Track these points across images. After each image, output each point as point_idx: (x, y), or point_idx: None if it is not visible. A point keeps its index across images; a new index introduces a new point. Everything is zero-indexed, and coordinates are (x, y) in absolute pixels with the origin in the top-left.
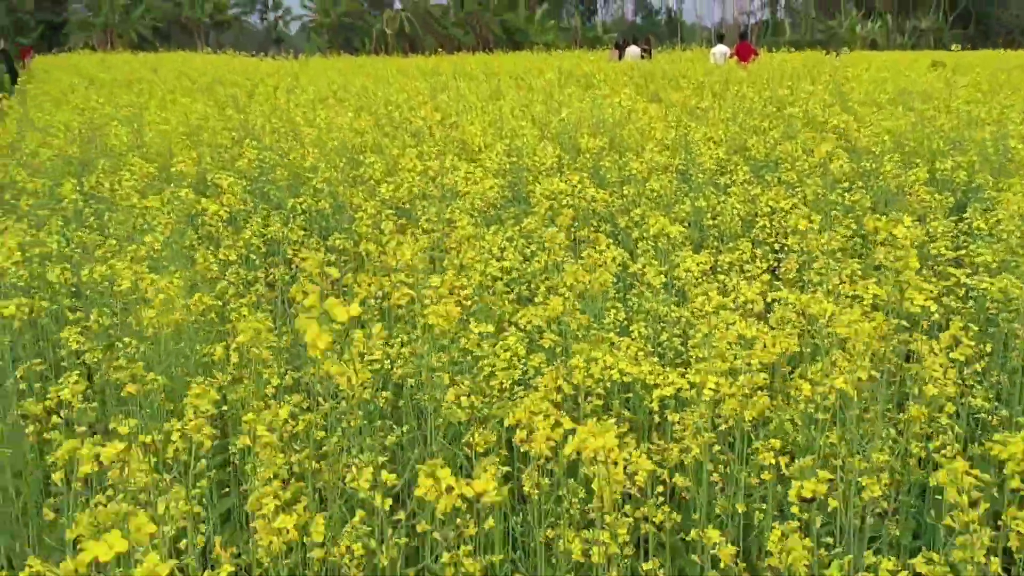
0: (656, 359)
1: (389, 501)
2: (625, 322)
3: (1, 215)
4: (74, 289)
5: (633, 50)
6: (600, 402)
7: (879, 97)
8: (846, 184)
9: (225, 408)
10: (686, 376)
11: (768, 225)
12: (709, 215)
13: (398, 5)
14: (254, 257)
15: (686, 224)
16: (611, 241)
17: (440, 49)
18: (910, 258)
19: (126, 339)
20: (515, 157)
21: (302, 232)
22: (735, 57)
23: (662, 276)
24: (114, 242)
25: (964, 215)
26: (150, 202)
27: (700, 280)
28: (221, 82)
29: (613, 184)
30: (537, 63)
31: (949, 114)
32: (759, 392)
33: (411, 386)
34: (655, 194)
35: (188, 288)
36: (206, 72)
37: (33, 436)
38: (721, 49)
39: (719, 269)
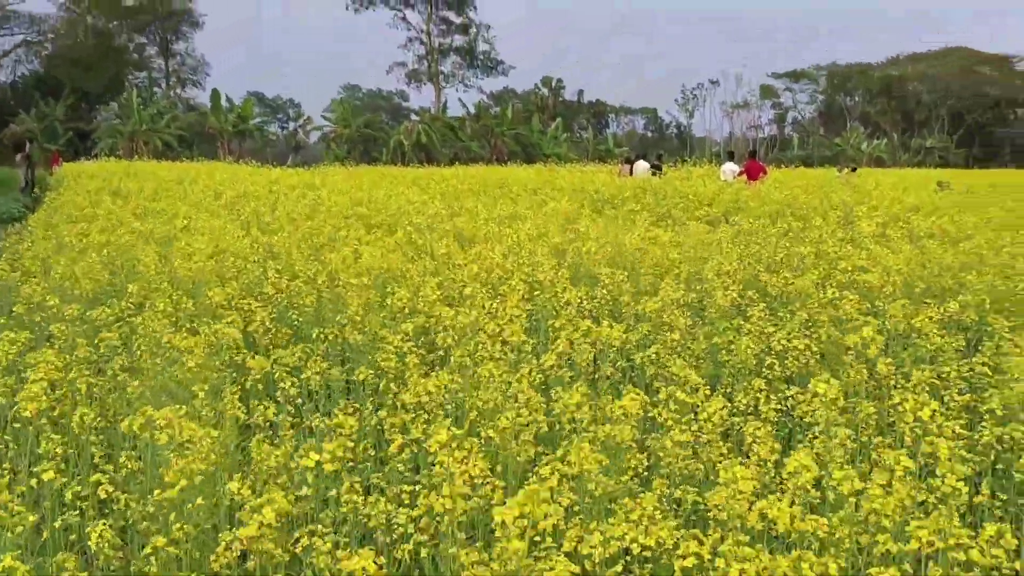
0: (674, 522)
1: None
2: (645, 472)
3: (32, 339)
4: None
5: (642, 165)
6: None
7: (889, 232)
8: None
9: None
10: (704, 545)
11: (778, 364)
12: (723, 352)
13: (415, 117)
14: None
15: (700, 359)
16: (630, 389)
17: (456, 161)
18: (940, 447)
19: (156, 491)
20: (536, 291)
21: (325, 365)
22: (744, 175)
23: (686, 434)
24: (147, 386)
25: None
26: (185, 343)
27: (718, 436)
28: (245, 195)
29: (628, 318)
30: (550, 178)
31: (956, 252)
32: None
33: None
34: (669, 330)
35: (220, 436)
36: (229, 183)
37: None
38: (730, 167)
39: (735, 412)
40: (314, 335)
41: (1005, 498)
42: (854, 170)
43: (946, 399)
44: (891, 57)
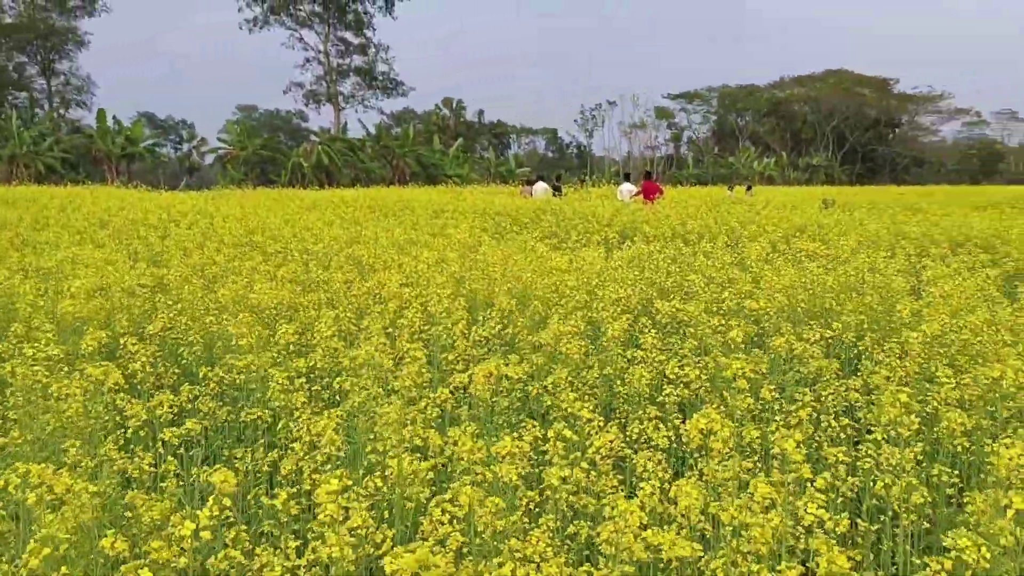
0: (563, 558)
1: None
2: (537, 510)
3: None
4: None
5: (541, 186)
6: None
7: (773, 256)
8: (745, 350)
9: None
10: None
11: (673, 392)
12: (618, 382)
13: (314, 138)
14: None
15: (594, 388)
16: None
17: (357, 182)
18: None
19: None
20: (430, 325)
21: (213, 405)
22: (640, 195)
23: (566, 470)
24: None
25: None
26: (62, 389)
27: (609, 467)
28: (133, 222)
29: (524, 348)
30: (453, 200)
31: (837, 273)
32: None
33: None
34: (564, 359)
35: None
36: (117, 209)
37: None
38: (627, 187)
39: (627, 441)
40: (201, 375)
41: (876, 527)
42: (749, 188)
43: (823, 423)
44: (777, 79)
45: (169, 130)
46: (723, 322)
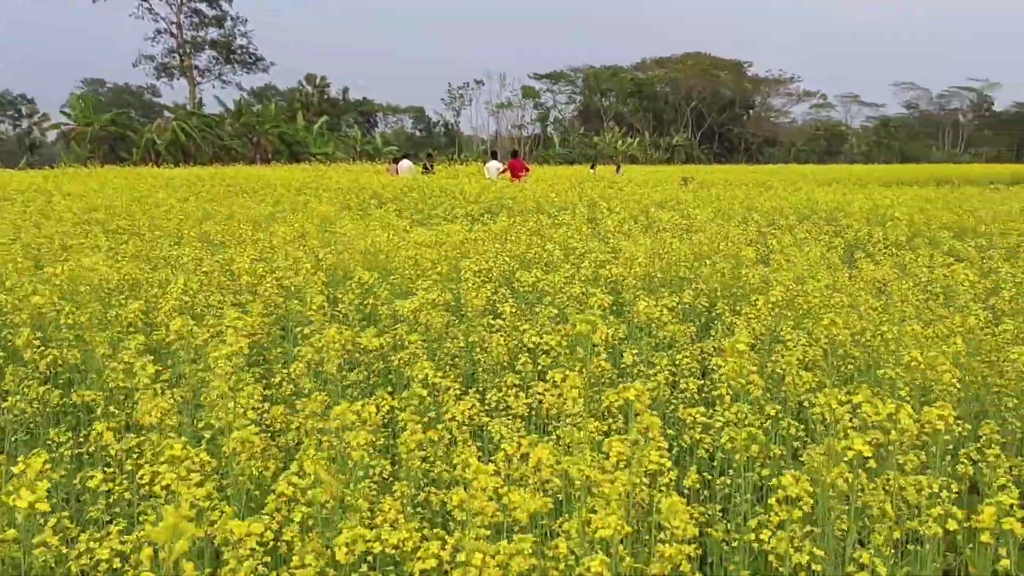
0: (417, 524)
1: None
2: (391, 478)
3: None
4: None
5: (406, 164)
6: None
7: (631, 227)
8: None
9: None
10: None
11: (530, 360)
12: (478, 350)
13: (168, 114)
14: None
15: (455, 359)
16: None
17: (216, 160)
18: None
19: None
20: (284, 299)
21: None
22: (507, 173)
23: (420, 437)
24: None
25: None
26: None
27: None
28: None
29: (386, 320)
30: (318, 177)
31: (692, 241)
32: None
33: None
34: (424, 329)
35: None
36: None
37: None
38: (494, 165)
39: (486, 410)
40: (26, 356)
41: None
42: (619, 168)
43: (680, 384)
44: (639, 61)
45: (6, 105)
46: (583, 290)
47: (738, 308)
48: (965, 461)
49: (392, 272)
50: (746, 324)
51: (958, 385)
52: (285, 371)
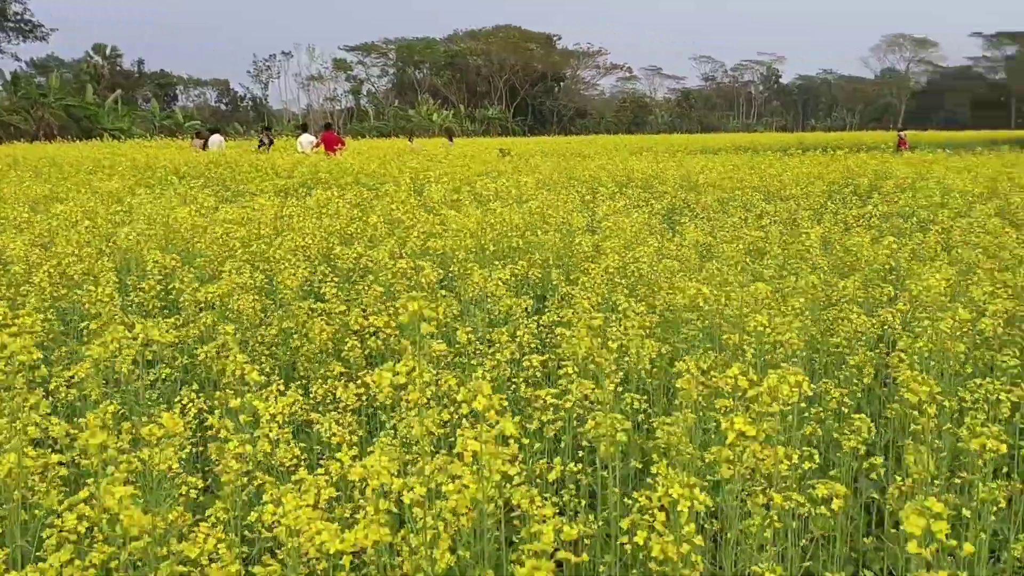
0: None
1: None
2: (201, 498)
3: None
4: None
5: (216, 139)
6: None
7: (454, 196)
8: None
9: None
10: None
11: (359, 345)
12: (296, 336)
13: None
14: None
15: (272, 348)
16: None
17: None
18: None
19: None
20: (67, 290)
21: None
22: (321, 146)
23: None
24: None
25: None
26: None
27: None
28: None
29: (190, 309)
30: (111, 154)
31: (522, 212)
32: None
33: None
34: (236, 317)
35: None
36: None
37: None
38: (307, 138)
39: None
40: None
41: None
42: (450, 137)
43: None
44: (452, 33)
45: None
46: (411, 264)
47: (572, 277)
48: (814, 424)
49: (197, 254)
50: (583, 294)
51: (802, 346)
52: (67, 375)
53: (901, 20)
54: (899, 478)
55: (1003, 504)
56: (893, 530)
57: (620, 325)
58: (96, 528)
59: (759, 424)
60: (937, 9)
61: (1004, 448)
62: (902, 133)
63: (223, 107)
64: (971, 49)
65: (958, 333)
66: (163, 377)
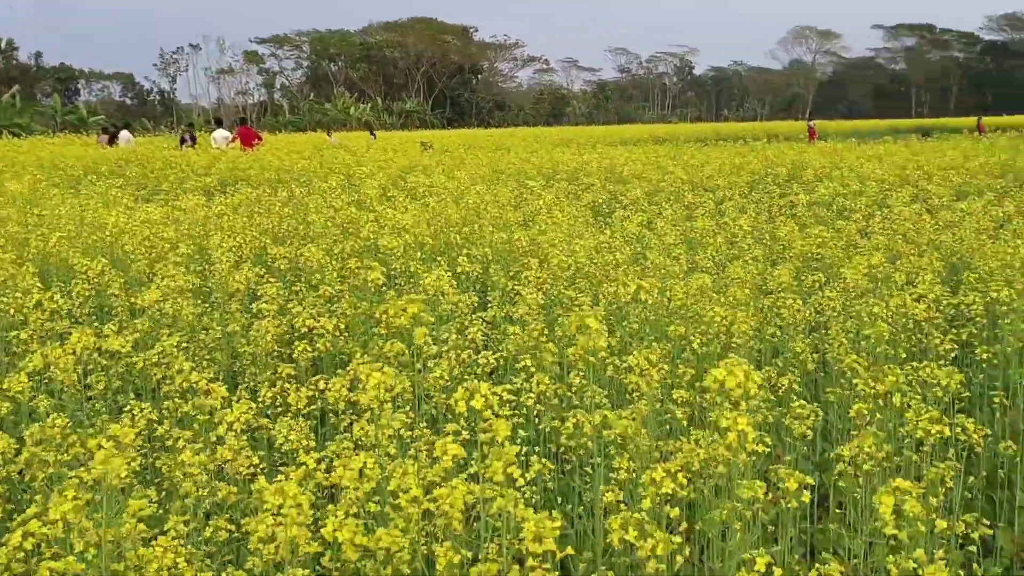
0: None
1: None
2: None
3: None
4: None
5: (125, 135)
6: None
7: (394, 193)
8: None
9: None
10: None
11: (308, 348)
12: (243, 342)
13: None
14: None
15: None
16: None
17: None
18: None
19: None
20: None
21: None
22: (237, 142)
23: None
24: None
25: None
26: None
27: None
28: None
29: (123, 315)
30: (9, 152)
31: (459, 207)
32: None
33: None
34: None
35: None
36: None
37: None
38: (222, 134)
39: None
40: None
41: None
42: (372, 132)
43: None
44: (367, 24)
45: None
46: (359, 264)
47: (512, 273)
48: (765, 411)
49: (126, 258)
50: (528, 290)
51: (751, 335)
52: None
53: (806, 14)
54: (843, 463)
55: (950, 485)
56: (838, 510)
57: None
58: (43, 544)
59: (745, 417)
60: (839, 2)
61: (947, 431)
62: (811, 123)
63: (129, 102)
64: (873, 41)
65: (892, 317)
66: (102, 387)
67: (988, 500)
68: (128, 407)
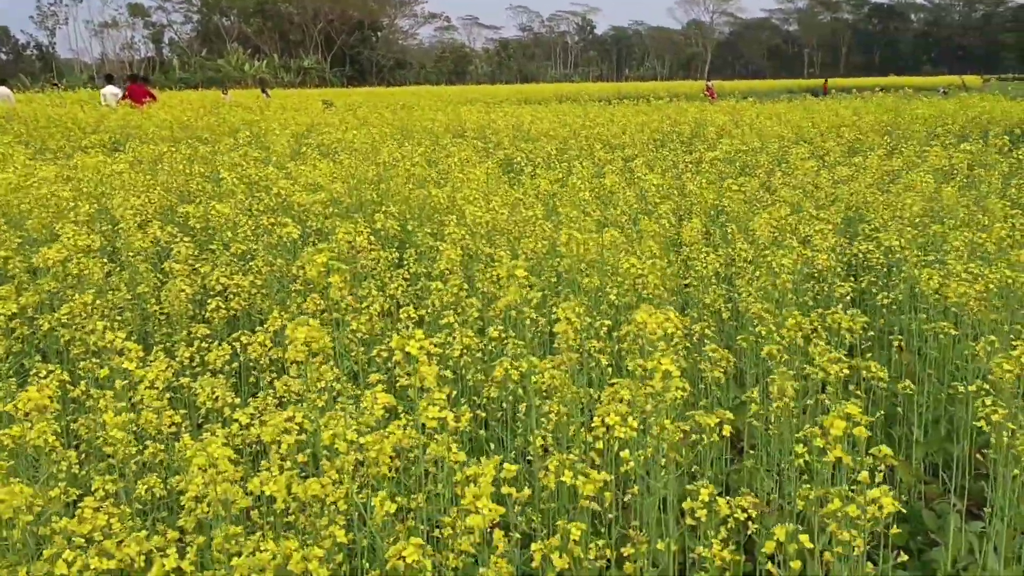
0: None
1: None
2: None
3: None
4: None
5: (3, 91)
6: None
7: (305, 151)
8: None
9: None
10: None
11: (223, 306)
12: (152, 301)
13: None
14: None
15: (124, 312)
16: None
17: None
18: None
19: None
20: None
21: None
22: (128, 99)
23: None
24: None
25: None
26: None
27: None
28: None
29: (22, 277)
30: None
31: (375, 165)
32: None
33: None
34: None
35: None
36: None
37: None
38: (112, 91)
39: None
40: None
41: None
42: (265, 91)
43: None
44: None
45: None
46: (273, 220)
47: (431, 230)
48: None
49: (23, 217)
50: (447, 245)
51: (666, 287)
52: None
53: None
54: (755, 403)
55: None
56: (751, 451)
57: (487, 273)
58: None
59: (670, 357)
60: None
61: (848, 372)
62: (709, 83)
63: (4, 56)
64: (767, 2)
65: (797, 267)
66: (1, 350)
67: (887, 437)
68: (34, 370)
